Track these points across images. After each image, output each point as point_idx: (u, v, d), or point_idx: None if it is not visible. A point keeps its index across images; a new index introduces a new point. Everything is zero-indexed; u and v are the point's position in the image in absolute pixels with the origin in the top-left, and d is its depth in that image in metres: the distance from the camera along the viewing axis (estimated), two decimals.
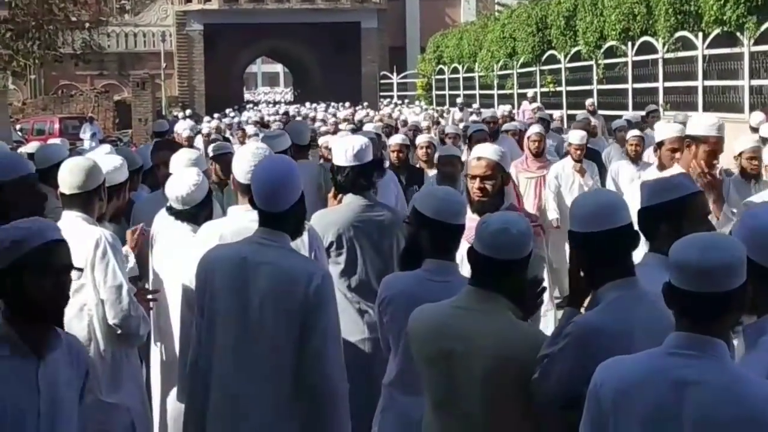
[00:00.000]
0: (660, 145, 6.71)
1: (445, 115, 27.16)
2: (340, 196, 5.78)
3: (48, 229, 3.32)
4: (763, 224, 3.15)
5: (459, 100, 28.13)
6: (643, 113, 16.19)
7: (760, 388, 2.78)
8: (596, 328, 3.36)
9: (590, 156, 11.30)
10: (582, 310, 3.58)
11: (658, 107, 14.77)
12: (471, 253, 3.66)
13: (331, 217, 5.67)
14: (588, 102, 21.56)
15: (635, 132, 11.38)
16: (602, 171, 11.31)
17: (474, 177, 5.24)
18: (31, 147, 9.41)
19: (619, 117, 16.03)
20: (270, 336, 4.05)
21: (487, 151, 5.33)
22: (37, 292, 3.22)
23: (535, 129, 11.16)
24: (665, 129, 6.86)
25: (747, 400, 2.75)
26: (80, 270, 3.51)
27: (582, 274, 3.55)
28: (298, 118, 25.07)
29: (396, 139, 10.31)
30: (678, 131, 6.52)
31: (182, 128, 15.02)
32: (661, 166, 6.52)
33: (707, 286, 2.76)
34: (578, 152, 10.85)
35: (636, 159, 10.80)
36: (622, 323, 3.35)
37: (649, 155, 10.06)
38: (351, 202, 5.64)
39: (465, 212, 4.31)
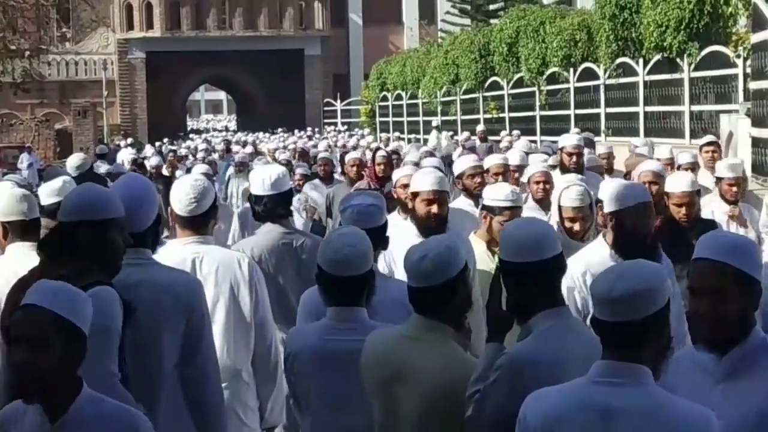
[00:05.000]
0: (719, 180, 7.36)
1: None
2: None
3: None
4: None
5: (434, 123, 27.88)
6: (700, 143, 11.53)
7: (688, 412, 2.76)
8: (529, 359, 3.32)
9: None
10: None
11: (717, 138, 11.19)
12: (408, 288, 3.67)
13: (252, 244, 5.70)
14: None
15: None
16: None
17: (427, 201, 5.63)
18: None
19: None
20: (161, 351, 4.01)
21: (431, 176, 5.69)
22: None
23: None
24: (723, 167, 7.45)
25: (674, 425, 2.73)
26: None
27: (505, 306, 3.48)
28: (236, 147, 24.52)
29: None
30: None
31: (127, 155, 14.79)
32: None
33: (618, 315, 2.76)
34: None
35: None
36: (555, 353, 3.30)
37: None
38: (270, 230, 5.70)
39: (367, 261, 3.95)
